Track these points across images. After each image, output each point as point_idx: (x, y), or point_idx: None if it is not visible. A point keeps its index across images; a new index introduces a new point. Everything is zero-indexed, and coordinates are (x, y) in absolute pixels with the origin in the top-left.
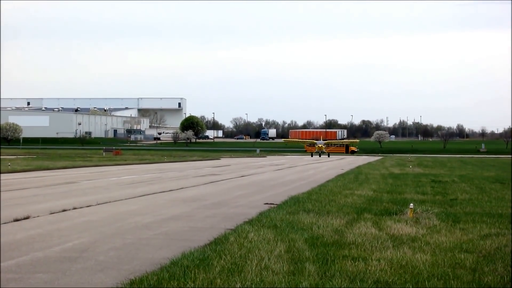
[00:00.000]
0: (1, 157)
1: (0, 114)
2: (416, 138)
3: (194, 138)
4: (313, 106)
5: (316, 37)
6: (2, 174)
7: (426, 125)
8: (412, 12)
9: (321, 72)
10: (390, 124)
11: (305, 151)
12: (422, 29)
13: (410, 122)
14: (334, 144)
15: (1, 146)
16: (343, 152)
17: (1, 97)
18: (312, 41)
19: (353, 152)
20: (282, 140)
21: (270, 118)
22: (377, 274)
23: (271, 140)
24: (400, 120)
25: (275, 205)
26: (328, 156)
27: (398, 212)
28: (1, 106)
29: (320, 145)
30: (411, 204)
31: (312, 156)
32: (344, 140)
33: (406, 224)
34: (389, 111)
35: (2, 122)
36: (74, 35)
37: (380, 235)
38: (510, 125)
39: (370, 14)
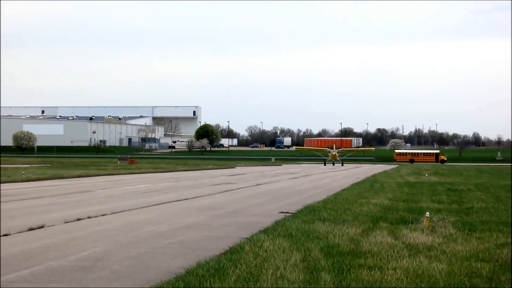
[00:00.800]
0: (16, 165)
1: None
2: (431, 146)
3: (209, 146)
4: (328, 115)
5: (331, 45)
6: (16, 183)
7: (442, 133)
8: (427, 18)
9: (337, 80)
10: (406, 132)
11: (320, 159)
12: (437, 36)
13: (425, 130)
14: (416, 153)
15: (13, 155)
16: (433, 161)
17: (16, 106)
18: (327, 49)
19: (443, 162)
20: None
21: (285, 126)
22: (393, 283)
23: (286, 149)
24: (416, 128)
25: (291, 214)
26: (342, 165)
27: (414, 220)
28: (16, 114)
29: (333, 153)
30: (427, 213)
31: (325, 164)
32: (359, 148)
33: (422, 233)
34: (405, 119)
35: (16, 130)
36: (89, 43)
37: (396, 244)
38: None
39: (386, 21)
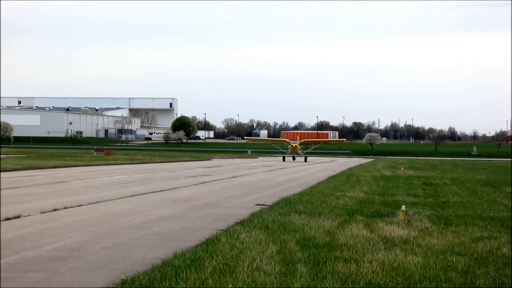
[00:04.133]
0: None
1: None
2: (407, 140)
3: (185, 138)
4: (305, 108)
5: (308, 38)
6: None
7: (418, 128)
8: (405, 14)
9: (313, 74)
10: (382, 126)
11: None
12: (414, 32)
13: (401, 125)
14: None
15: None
16: None
17: None
18: (304, 42)
19: None
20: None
21: (262, 119)
22: (369, 276)
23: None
24: (392, 122)
25: (267, 206)
26: (305, 160)
27: (390, 214)
28: None
29: (294, 145)
30: (403, 206)
31: (284, 160)
32: (327, 139)
33: (398, 226)
34: (381, 113)
35: None
36: (66, 34)
37: (372, 237)
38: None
39: (364, 16)
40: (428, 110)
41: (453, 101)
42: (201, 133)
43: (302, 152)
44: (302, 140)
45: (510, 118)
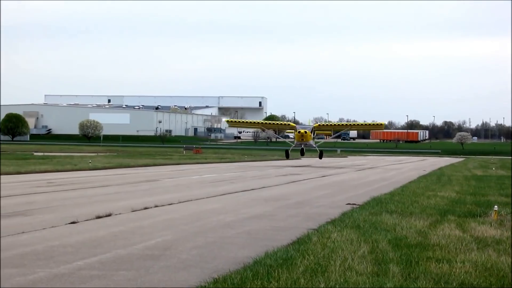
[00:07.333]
0: (82, 154)
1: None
2: (499, 139)
3: (274, 137)
4: (395, 107)
5: (398, 38)
6: (83, 172)
7: (509, 127)
8: (492, 13)
9: (404, 72)
10: (473, 126)
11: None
12: (504, 30)
13: (492, 124)
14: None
15: (79, 144)
16: None
17: (82, 94)
18: (395, 42)
19: None
20: (363, 140)
21: (351, 117)
22: (462, 277)
23: (352, 141)
24: (483, 122)
25: (358, 206)
26: (320, 157)
27: (482, 214)
28: (82, 103)
29: (302, 131)
30: (496, 206)
31: (288, 156)
32: (359, 123)
33: (490, 226)
34: (471, 112)
35: (83, 119)
36: (156, 32)
37: (464, 237)
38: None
39: (450, 14)
40: None
41: None
42: (290, 133)
43: (315, 144)
44: (316, 125)
45: None
